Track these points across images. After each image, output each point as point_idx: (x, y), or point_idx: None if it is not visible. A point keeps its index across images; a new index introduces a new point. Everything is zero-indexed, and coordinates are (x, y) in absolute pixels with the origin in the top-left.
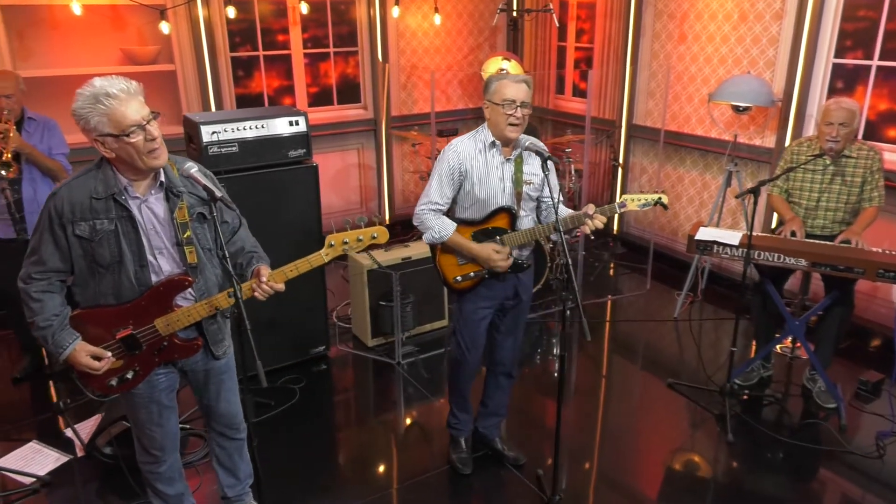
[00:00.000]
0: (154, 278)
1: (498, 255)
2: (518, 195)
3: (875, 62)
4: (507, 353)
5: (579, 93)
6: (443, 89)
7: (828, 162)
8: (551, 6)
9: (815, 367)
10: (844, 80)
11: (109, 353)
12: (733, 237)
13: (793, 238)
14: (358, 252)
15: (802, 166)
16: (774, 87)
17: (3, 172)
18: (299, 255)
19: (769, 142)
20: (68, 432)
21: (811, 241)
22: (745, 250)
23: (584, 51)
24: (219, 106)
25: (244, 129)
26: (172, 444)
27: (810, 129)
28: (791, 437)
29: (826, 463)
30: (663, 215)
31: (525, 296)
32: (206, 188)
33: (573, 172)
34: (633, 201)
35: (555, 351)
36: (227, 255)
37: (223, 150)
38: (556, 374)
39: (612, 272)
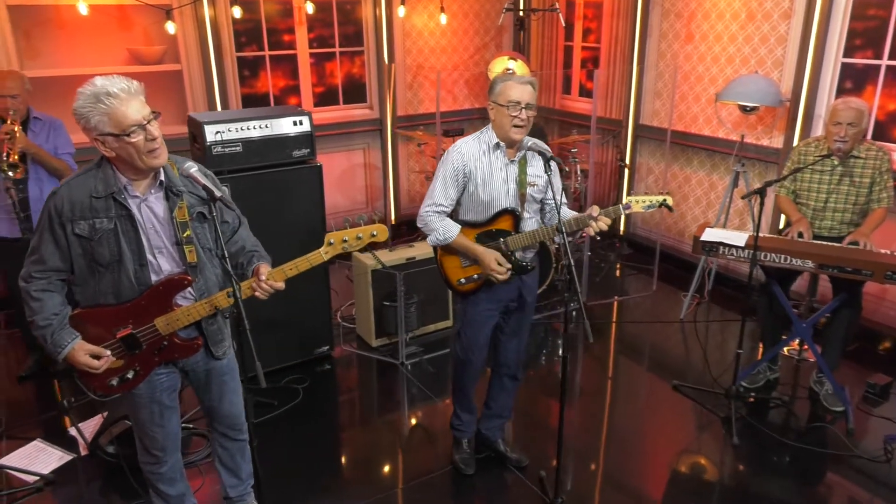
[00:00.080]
0: (154, 277)
1: (499, 267)
2: (522, 197)
3: (885, 62)
4: (512, 354)
5: (586, 93)
6: (449, 89)
7: (836, 162)
8: (557, 6)
9: (822, 369)
10: (853, 80)
11: (108, 352)
12: (739, 238)
13: (800, 239)
14: (358, 250)
15: (810, 167)
16: (782, 87)
17: (11, 173)
18: (303, 255)
19: (777, 142)
20: (72, 431)
21: (818, 242)
22: (752, 252)
23: (591, 50)
24: (225, 106)
25: (248, 128)
26: (174, 444)
27: (818, 130)
28: (798, 440)
29: (833, 467)
30: (670, 216)
31: (529, 298)
32: (205, 188)
33: (579, 172)
34: (638, 203)
35: (559, 352)
36: (227, 255)
37: (227, 149)
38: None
39: (618, 273)
